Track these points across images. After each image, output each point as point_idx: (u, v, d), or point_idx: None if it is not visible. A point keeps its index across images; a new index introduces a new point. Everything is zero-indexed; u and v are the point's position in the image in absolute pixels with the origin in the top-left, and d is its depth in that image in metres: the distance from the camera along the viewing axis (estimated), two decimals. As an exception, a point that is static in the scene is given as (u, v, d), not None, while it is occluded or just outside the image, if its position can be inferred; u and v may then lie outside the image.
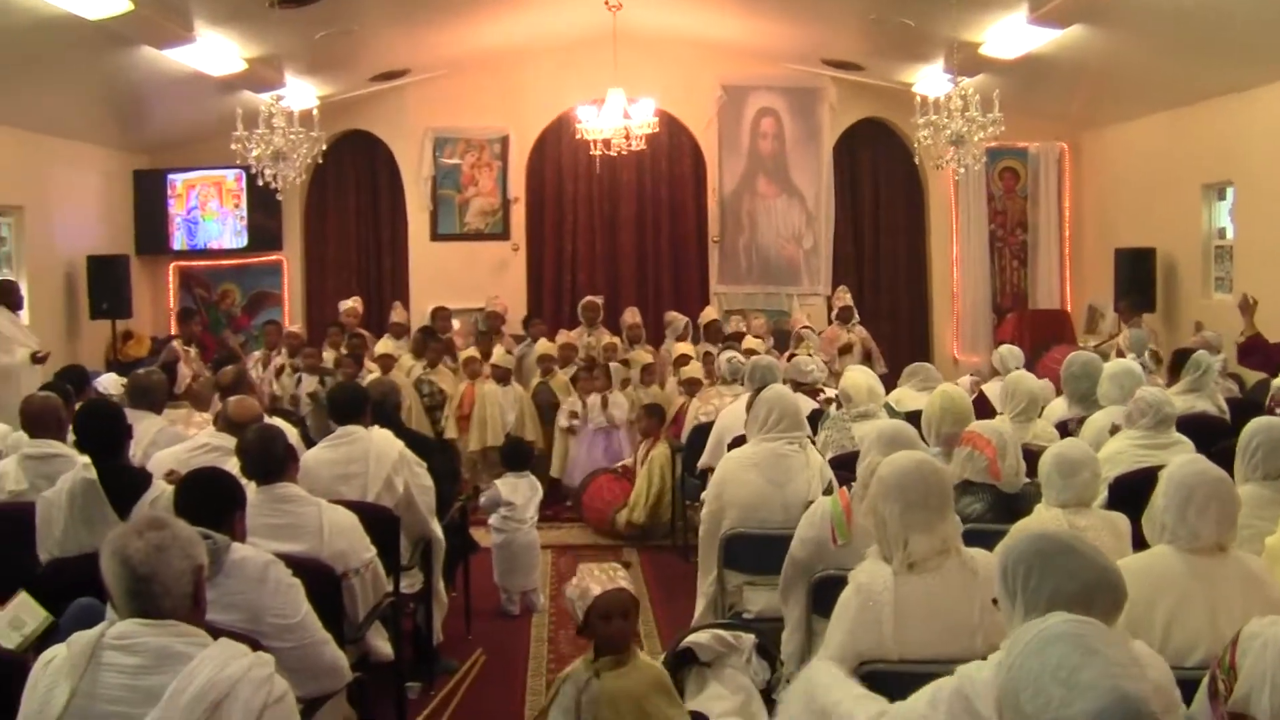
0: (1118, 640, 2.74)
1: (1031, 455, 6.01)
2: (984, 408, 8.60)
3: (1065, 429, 8.11)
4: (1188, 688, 3.54)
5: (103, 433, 6.13)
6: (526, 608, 9.20)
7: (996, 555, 3.44)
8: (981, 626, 4.22)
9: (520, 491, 9.33)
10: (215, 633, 3.53)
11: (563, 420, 12.70)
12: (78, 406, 7.26)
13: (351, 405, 7.42)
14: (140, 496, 5.81)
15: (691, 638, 5.49)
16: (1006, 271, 17.04)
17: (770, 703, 5.45)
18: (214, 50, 12.07)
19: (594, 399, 12.45)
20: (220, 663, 3.30)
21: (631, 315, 14.59)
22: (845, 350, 13.71)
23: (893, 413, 8.28)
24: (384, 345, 13.27)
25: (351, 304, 14.75)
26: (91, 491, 5.81)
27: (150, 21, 10.78)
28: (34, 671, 3.43)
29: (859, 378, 8.44)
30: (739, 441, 7.89)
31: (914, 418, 7.73)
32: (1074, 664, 2.57)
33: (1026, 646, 2.70)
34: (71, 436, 7.36)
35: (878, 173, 17.40)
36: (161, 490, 5.67)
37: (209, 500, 4.76)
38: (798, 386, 9.87)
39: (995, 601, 3.44)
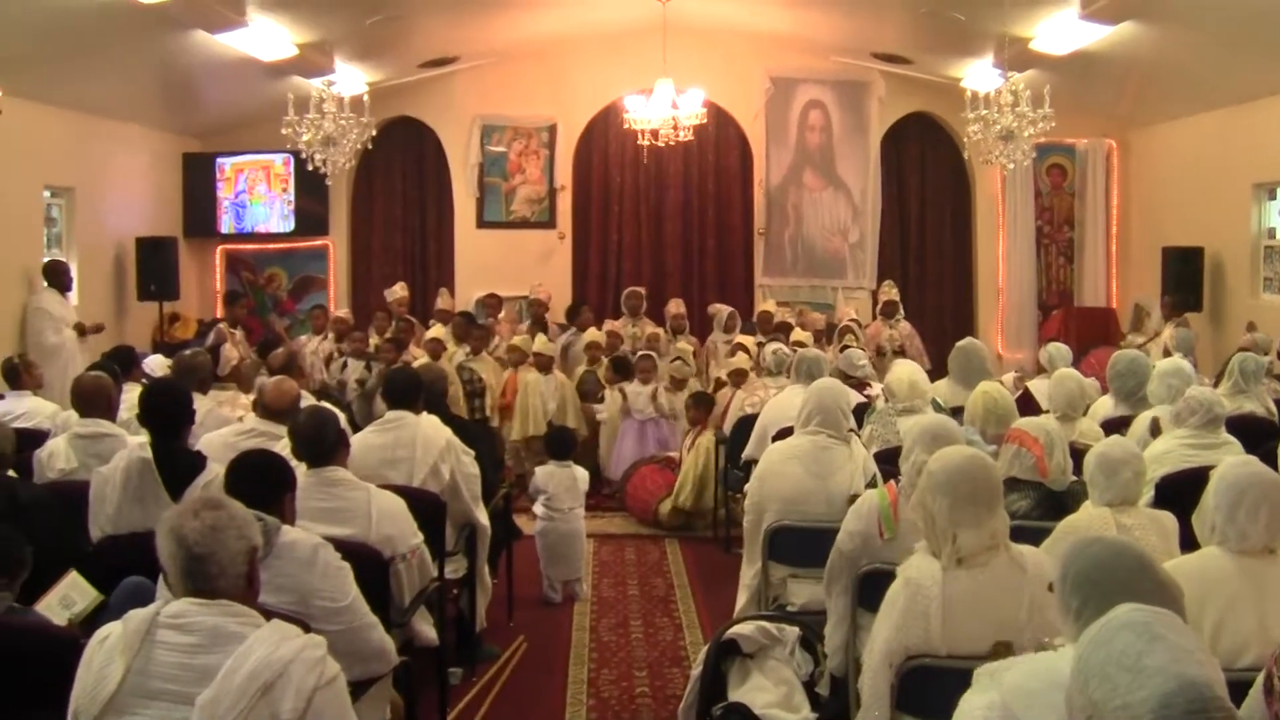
0: (1185, 627, 2.73)
1: (1078, 454, 5.99)
2: (1029, 405, 8.56)
3: (1111, 428, 8.07)
4: (1237, 690, 3.53)
5: (166, 414, 6.16)
6: (569, 596, 9.22)
7: (1055, 564, 3.41)
8: (1030, 623, 4.21)
9: (558, 480, 9.35)
10: (266, 614, 3.55)
11: (601, 413, 12.74)
12: (143, 386, 7.34)
13: (406, 390, 7.44)
14: (194, 479, 5.85)
15: (735, 629, 5.52)
16: (1052, 268, 16.98)
17: (813, 695, 5.47)
18: (265, 35, 12.14)
19: (639, 389, 12.45)
20: (273, 643, 3.32)
21: (676, 306, 14.62)
22: (882, 353, 13.63)
23: (939, 408, 8.25)
24: (434, 331, 13.33)
25: (399, 291, 14.79)
26: (146, 471, 5.85)
27: (203, 5, 10.85)
28: (89, 648, 3.45)
29: (904, 372, 8.40)
30: (783, 434, 7.90)
31: (958, 413, 7.74)
32: (1139, 650, 2.56)
33: (1095, 637, 2.69)
34: (122, 415, 7.45)
35: (925, 167, 17.36)
36: (215, 474, 5.70)
37: (260, 482, 4.78)
38: (846, 379, 9.86)
39: (1051, 587, 3.43)
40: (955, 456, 4.59)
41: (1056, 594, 3.33)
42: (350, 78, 14.15)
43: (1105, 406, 8.79)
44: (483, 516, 7.49)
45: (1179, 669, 2.51)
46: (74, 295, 12.72)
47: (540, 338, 13.28)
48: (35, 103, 12.02)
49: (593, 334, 13.70)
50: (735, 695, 5.39)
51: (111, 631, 3.44)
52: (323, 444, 5.87)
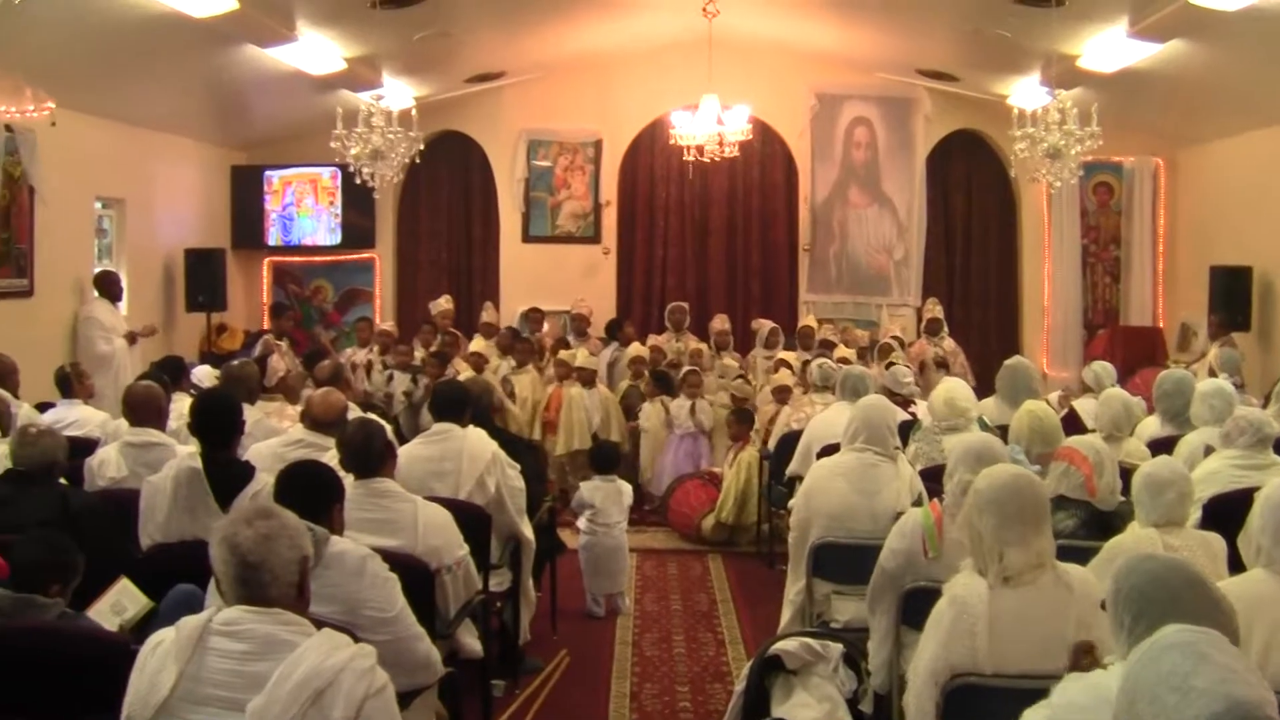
0: (1232, 648, 2.73)
1: (1125, 473, 5.97)
2: (1074, 424, 8.54)
3: (1158, 448, 8.03)
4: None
5: (217, 424, 6.22)
6: (612, 610, 9.23)
7: (1109, 581, 3.41)
8: (1076, 642, 4.20)
9: (604, 495, 9.38)
10: (316, 624, 3.59)
11: (642, 421, 12.77)
12: (194, 397, 7.41)
13: (453, 403, 7.50)
14: (243, 489, 5.90)
15: (779, 645, 5.51)
16: (1098, 287, 16.88)
17: (857, 713, 5.47)
18: (315, 49, 12.20)
19: (682, 403, 12.46)
20: (324, 652, 3.35)
21: (720, 322, 14.62)
22: (941, 364, 13.58)
23: (984, 426, 8.23)
24: (476, 344, 13.35)
25: (444, 304, 14.84)
26: (196, 480, 5.90)
27: (254, 20, 10.91)
28: (142, 653, 3.49)
29: (949, 390, 8.40)
30: (827, 450, 7.90)
31: (1004, 431, 7.73)
32: (1187, 670, 2.57)
33: (1143, 657, 2.70)
34: (171, 425, 7.52)
35: (970, 184, 17.29)
36: (264, 484, 5.74)
37: (309, 492, 4.82)
38: (892, 397, 9.87)
39: (1103, 605, 3.43)
40: (1003, 475, 4.59)
41: (1109, 610, 3.33)
42: (398, 92, 14.22)
43: (1151, 426, 8.75)
44: (527, 530, 7.53)
45: (1227, 689, 2.51)
46: (124, 305, 12.83)
47: (582, 352, 13.28)
48: (88, 115, 12.14)
49: (636, 349, 13.70)
50: (778, 711, 5.39)
51: (165, 638, 3.48)
52: (370, 455, 5.91)
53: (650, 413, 12.68)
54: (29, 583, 4.83)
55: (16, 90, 10.86)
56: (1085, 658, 3.88)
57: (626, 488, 9.63)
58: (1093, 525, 5.86)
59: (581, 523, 9.33)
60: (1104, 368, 10.35)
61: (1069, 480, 6.00)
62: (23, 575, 4.87)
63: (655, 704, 7.47)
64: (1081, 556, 4.99)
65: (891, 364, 11.84)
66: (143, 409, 7.19)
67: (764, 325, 14.68)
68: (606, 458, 9.85)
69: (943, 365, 13.53)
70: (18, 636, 4.62)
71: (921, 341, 14.45)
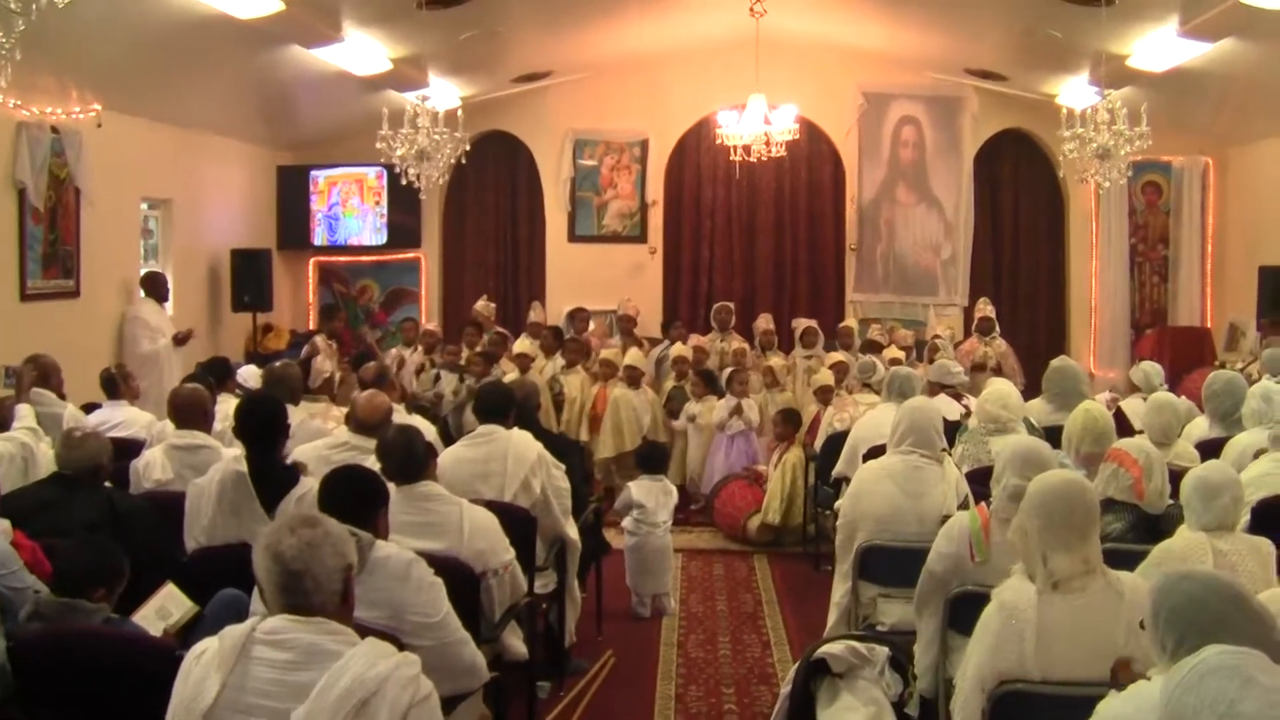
0: (1276, 667, 2.69)
1: (1174, 476, 5.91)
2: (1122, 425, 8.47)
3: (1207, 450, 7.95)
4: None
5: (263, 427, 6.23)
6: (657, 611, 9.22)
7: (1146, 601, 3.38)
8: (1126, 649, 4.15)
9: (653, 495, 9.36)
10: (361, 630, 3.58)
11: (680, 422, 12.77)
12: (241, 399, 7.44)
13: (498, 405, 7.50)
14: (288, 492, 5.92)
15: (825, 648, 5.48)
16: (1146, 287, 16.76)
17: (903, 716, 5.44)
18: (361, 50, 12.24)
19: (727, 403, 12.42)
20: (369, 661, 3.34)
21: (765, 321, 14.55)
22: (979, 368, 13.50)
23: (1032, 428, 8.18)
24: (521, 345, 13.34)
25: (484, 305, 14.86)
26: (241, 484, 5.93)
27: (300, 21, 10.95)
28: (186, 662, 3.50)
29: (995, 392, 8.34)
30: (874, 452, 7.87)
31: (1051, 433, 7.67)
32: (1232, 696, 2.54)
33: (1184, 681, 2.67)
34: (217, 427, 7.54)
35: (1018, 183, 17.19)
36: (308, 487, 5.75)
37: (354, 498, 4.83)
38: (943, 388, 9.84)
39: (1142, 625, 3.40)
40: (1054, 479, 4.57)
41: (1149, 632, 3.30)
42: (444, 92, 14.25)
43: (1200, 427, 8.67)
44: (572, 531, 7.53)
45: (1274, 713, 2.47)
46: (170, 306, 12.89)
47: (634, 351, 13.26)
48: (134, 117, 12.21)
49: (679, 349, 13.66)
50: (824, 715, 5.36)
51: (208, 646, 3.48)
52: (412, 461, 5.91)
53: (701, 411, 12.63)
54: (74, 587, 4.85)
55: (63, 92, 10.94)
56: (1123, 672, 3.84)
57: (673, 488, 9.63)
58: (1140, 528, 5.80)
59: (627, 523, 9.31)
60: (1152, 368, 10.27)
61: (1118, 482, 5.94)
62: (68, 580, 4.90)
63: (700, 706, 7.45)
64: (1128, 560, 4.95)
65: (935, 359, 11.81)
66: (188, 411, 7.22)
67: (800, 324, 14.59)
68: (655, 458, 9.85)
69: (981, 369, 13.44)
70: (62, 641, 4.65)
71: (973, 340, 14.36)
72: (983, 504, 5.65)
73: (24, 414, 7.64)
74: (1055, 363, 9.61)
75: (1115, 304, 16.51)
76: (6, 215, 10.63)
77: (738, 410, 12.25)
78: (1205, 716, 2.54)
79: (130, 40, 10.39)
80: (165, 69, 11.49)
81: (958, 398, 10.23)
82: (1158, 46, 11.91)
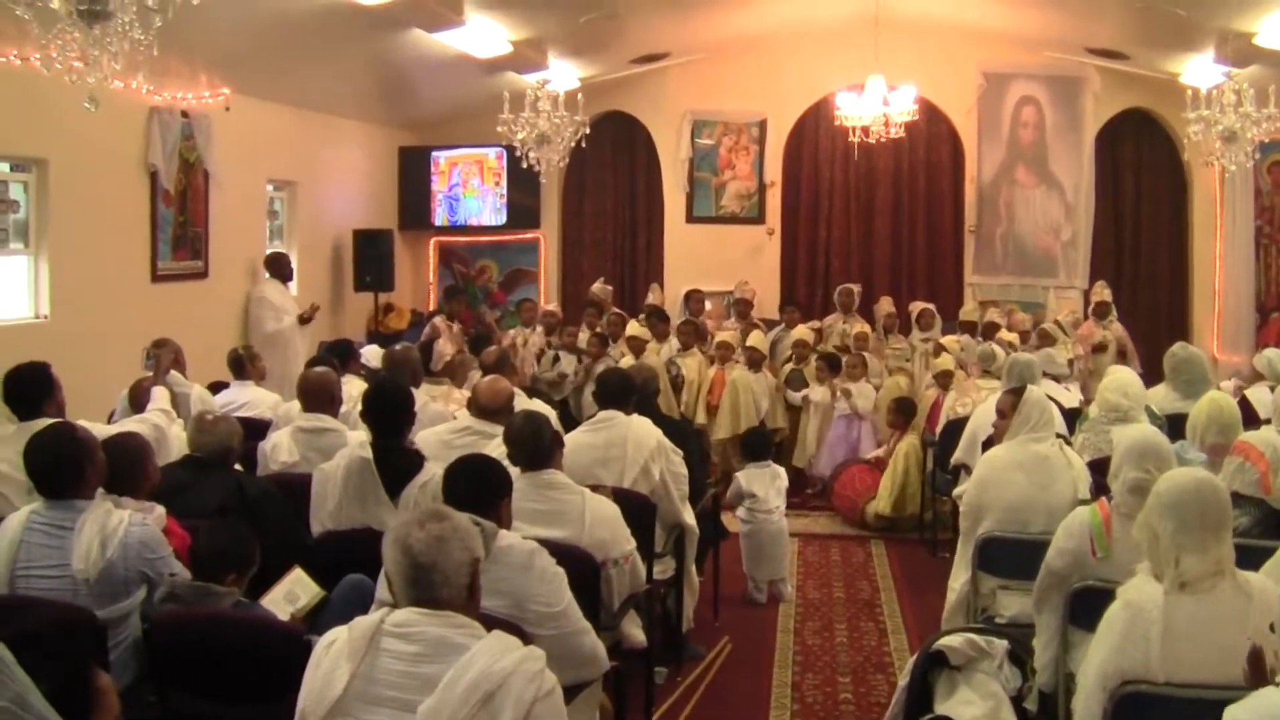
0: None
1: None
2: (1247, 413, 8.33)
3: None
4: None
5: (389, 414, 6.34)
6: (774, 596, 9.22)
7: (1276, 603, 3.34)
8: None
9: (762, 482, 9.34)
10: (486, 621, 3.63)
11: (796, 398, 12.79)
12: (367, 383, 7.55)
13: (619, 391, 7.55)
14: (412, 479, 6.01)
15: (944, 640, 5.47)
16: (1272, 270, 16.44)
17: (1021, 711, 5.41)
18: (482, 33, 12.28)
19: (839, 384, 12.40)
20: (495, 655, 3.39)
21: (887, 304, 14.46)
22: (1100, 349, 13.38)
23: (1153, 416, 8.07)
24: (633, 328, 13.32)
25: (600, 288, 14.92)
26: (366, 470, 6.02)
27: (423, 5, 11.02)
28: (316, 651, 3.56)
29: (1116, 380, 8.23)
30: (992, 440, 7.81)
31: (1174, 421, 7.58)
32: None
33: None
34: (343, 408, 7.65)
35: (1140, 164, 16.90)
36: (432, 474, 5.82)
37: (478, 487, 4.88)
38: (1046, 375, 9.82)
39: (1272, 627, 3.37)
40: (1184, 479, 4.46)
41: None
42: (563, 73, 14.30)
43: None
44: (690, 517, 7.54)
45: None
46: (293, 285, 13.10)
47: (756, 334, 13.26)
48: (260, 100, 12.44)
49: (801, 331, 13.62)
50: (941, 708, 5.35)
51: (338, 636, 3.54)
52: (539, 449, 5.96)
53: (821, 393, 12.62)
54: (208, 571, 4.96)
55: (193, 77, 11.14)
56: (1257, 663, 3.78)
57: (781, 471, 9.60)
58: (1267, 524, 5.73)
59: (741, 512, 9.29)
60: (1277, 355, 10.09)
61: (1243, 476, 5.87)
62: (203, 563, 5.01)
63: (817, 695, 7.45)
64: (1255, 555, 4.86)
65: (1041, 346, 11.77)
66: (316, 395, 7.31)
67: (916, 307, 14.52)
68: (759, 444, 9.83)
69: (1102, 349, 13.32)
70: (194, 624, 4.76)
71: (1089, 323, 14.20)
72: (1104, 499, 5.59)
73: (159, 396, 7.78)
74: (1179, 350, 9.46)
75: (1240, 287, 16.20)
76: (139, 198, 10.86)
77: (846, 394, 12.23)
78: None
79: (257, 26, 10.53)
80: (291, 54, 11.66)
81: (1058, 382, 10.18)
82: (1287, 24, 11.68)
